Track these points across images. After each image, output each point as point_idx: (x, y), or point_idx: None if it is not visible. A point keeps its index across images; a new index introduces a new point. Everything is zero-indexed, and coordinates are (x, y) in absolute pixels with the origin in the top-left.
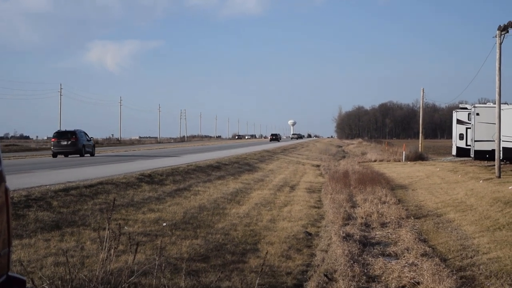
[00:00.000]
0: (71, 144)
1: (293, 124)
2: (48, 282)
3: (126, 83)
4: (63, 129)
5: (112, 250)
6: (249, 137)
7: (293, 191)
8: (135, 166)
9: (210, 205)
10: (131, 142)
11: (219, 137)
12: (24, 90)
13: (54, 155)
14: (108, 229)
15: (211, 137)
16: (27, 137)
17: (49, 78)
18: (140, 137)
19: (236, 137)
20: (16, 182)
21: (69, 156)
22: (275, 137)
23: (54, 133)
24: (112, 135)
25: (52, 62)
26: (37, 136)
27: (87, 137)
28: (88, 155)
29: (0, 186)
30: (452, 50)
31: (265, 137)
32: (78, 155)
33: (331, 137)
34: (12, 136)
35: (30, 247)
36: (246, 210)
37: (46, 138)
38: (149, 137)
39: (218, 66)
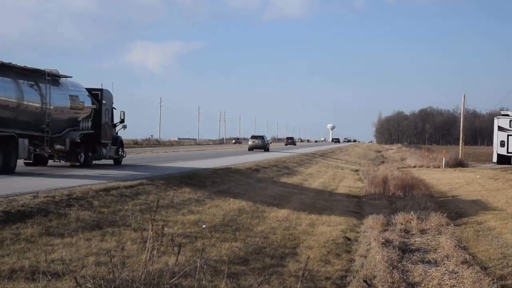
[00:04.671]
0: None
1: (332, 128)
2: (91, 281)
3: (166, 84)
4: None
5: (155, 251)
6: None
7: (332, 195)
8: (175, 167)
9: (249, 208)
10: (170, 143)
11: None
12: None
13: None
14: (151, 230)
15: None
16: None
17: (91, 78)
18: (179, 139)
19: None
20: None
21: None
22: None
23: None
24: (152, 136)
25: (94, 62)
26: None
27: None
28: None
29: None
30: (494, 56)
31: (309, 141)
32: None
33: (371, 142)
34: None
35: (72, 246)
36: (285, 214)
37: None
38: (188, 138)
39: (259, 68)
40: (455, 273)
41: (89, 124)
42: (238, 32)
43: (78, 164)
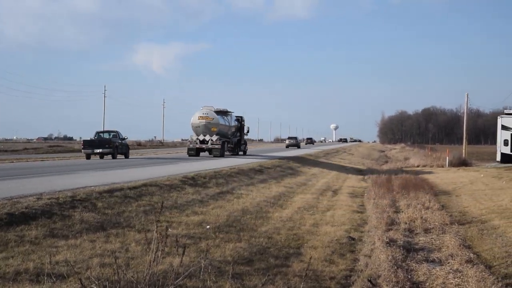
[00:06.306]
0: None
1: (335, 128)
2: (96, 282)
3: (171, 85)
4: None
5: (160, 252)
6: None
7: (335, 195)
8: (178, 169)
9: (253, 208)
10: (174, 145)
11: (261, 140)
12: (68, 92)
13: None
14: (156, 231)
15: (253, 140)
16: (71, 138)
17: (94, 80)
18: (182, 140)
19: None
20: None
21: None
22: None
23: None
24: (155, 137)
25: (97, 63)
26: (80, 137)
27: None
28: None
29: None
30: (498, 55)
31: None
32: None
33: (374, 141)
34: (56, 137)
35: (76, 248)
36: (289, 214)
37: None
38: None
39: (262, 69)
40: (460, 272)
41: (238, 134)
42: (242, 33)
43: (235, 154)
